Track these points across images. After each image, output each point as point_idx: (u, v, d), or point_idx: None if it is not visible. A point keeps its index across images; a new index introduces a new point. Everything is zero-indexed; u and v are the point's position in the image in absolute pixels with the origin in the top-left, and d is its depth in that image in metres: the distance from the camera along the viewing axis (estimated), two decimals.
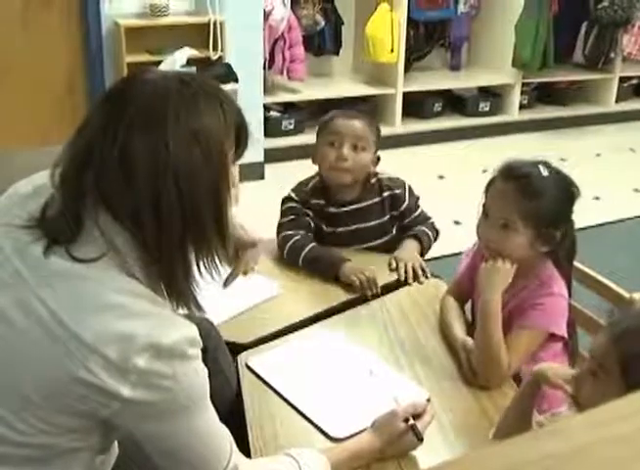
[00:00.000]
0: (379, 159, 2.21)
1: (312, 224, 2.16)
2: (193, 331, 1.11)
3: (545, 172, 1.68)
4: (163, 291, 1.14)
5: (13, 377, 1.09)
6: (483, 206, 1.74)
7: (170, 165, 1.07)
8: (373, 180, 2.21)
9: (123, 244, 1.09)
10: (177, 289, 1.13)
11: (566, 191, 1.70)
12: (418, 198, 2.26)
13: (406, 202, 2.21)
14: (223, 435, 1.20)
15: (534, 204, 1.66)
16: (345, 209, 2.19)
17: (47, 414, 1.08)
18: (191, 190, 1.09)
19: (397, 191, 2.21)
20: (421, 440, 1.39)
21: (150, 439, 1.14)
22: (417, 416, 1.41)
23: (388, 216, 2.21)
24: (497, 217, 1.70)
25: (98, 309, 1.05)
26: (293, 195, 2.18)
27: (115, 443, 1.34)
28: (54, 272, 1.08)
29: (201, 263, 1.16)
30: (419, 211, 2.24)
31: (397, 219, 2.22)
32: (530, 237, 1.68)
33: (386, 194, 2.21)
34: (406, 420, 1.39)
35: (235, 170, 1.19)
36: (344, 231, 2.18)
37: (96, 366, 1.03)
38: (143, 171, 1.07)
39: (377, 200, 2.20)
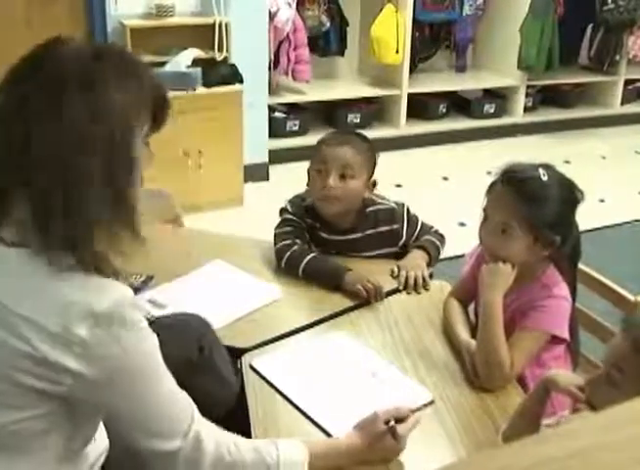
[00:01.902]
0: (375, 183, 2.12)
1: (308, 237, 2.11)
2: (128, 293, 1.10)
3: (545, 177, 1.66)
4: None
5: None
6: (484, 209, 1.73)
7: (64, 137, 1.05)
8: (370, 209, 2.13)
9: (22, 211, 1.07)
10: (84, 255, 1.09)
11: (566, 195, 1.69)
12: (416, 217, 2.18)
13: (404, 237, 2.13)
14: (183, 403, 1.19)
15: (533, 208, 1.65)
16: (338, 237, 2.13)
17: (2, 397, 1.08)
18: (86, 169, 1.06)
19: (395, 226, 2.13)
20: (401, 443, 1.37)
21: (107, 409, 1.14)
22: (401, 421, 1.39)
23: (383, 251, 2.15)
24: (496, 222, 1.70)
25: (30, 283, 1.06)
26: (289, 207, 2.13)
27: (105, 441, 1.34)
28: None
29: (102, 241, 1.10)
30: (419, 227, 2.16)
31: (394, 254, 2.16)
32: (529, 241, 1.67)
33: (382, 229, 2.13)
34: (387, 422, 1.38)
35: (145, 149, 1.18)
36: (335, 254, 2.13)
37: (37, 339, 1.04)
38: (36, 141, 1.05)
39: (371, 232, 2.13)
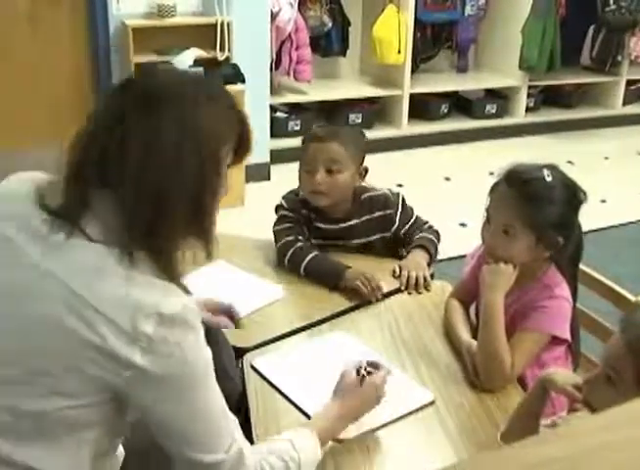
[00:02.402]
0: (366, 171, 2.14)
1: (306, 231, 2.14)
2: (192, 302, 1.16)
3: (549, 178, 1.66)
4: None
5: (22, 347, 1.13)
6: (487, 210, 1.73)
7: (158, 151, 1.12)
8: (364, 196, 2.15)
9: (114, 219, 1.13)
10: (162, 265, 1.16)
11: (569, 196, 1.68)
12: (412, 209, 2.21)
13: (396, 224, 2.16)
14: (228, 418, 1.22)
15: (535, 210, 1.64)
16: (334, 226, 2.15)
17: (62, 384, 1.12)
18: (172, 178, 1.12)
19: (388, 212, 2.16)
20: (378, 390, 1.45)
21: (155, 412, 1.16)
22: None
23: (377, 236, 2.17)
24: (499, 223, 1.69)
25: (106, 277, 1.10)
26: (284, 203, 2.15)
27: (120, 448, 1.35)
28: (58, 245, 1.12)
29: (173, 252, 1.18)
30: (413, 219, 2.19)
31: (387, 240, 2.19)
32: (532, 242, 1.67)
33: (376, 214, 2.16)
34: (358, 374, 1.45)
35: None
36: (332, 244, 2.15)
37: (107, 331, 1.08)
38: (134, 150, 1.11)
39: (366, 218, 2.15)
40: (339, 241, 2.16)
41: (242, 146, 1.24)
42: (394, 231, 2.17)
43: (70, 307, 1.09)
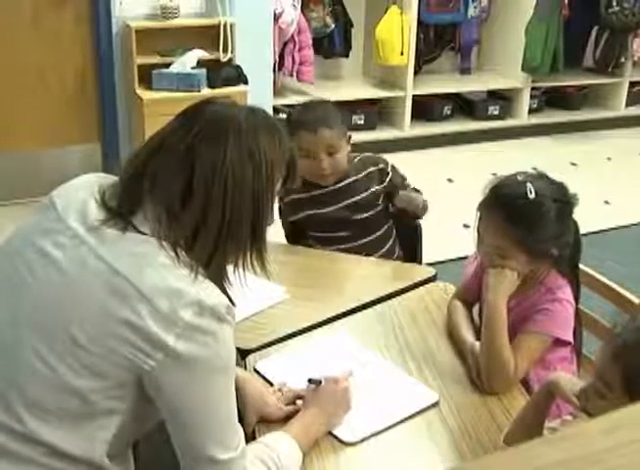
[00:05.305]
0: (350, 137, 2.26)
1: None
2: (227, 301, 1.23)
3: (532, 194, 1.61)
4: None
5: (63, 318, 1.18)
6: (477, 229, 1.71)
7: (224, 171, 1.23)
8: (355, 159, 2.30)
9: (167, 228, 1.22)
10: (211, 276, 1.24)
11: (558, 208, 1.64)
12: (404, 178, 2.35)
13: (390, 174, 2.30)
14: (236, 419, 1.26)
15: (525, 231, 1.62)
16: (330, 188, 2.27)
17: (91, 359, 1.16)
18: (236, 197, 1.23)
19: (381, 166, 2.31)
20: (337, 384, 1.50)
21: (178, 400, 1.20)
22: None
23: (374, 189, 2.29)
24: (490, 244, 1.68)
25: (153, 266, 1.19)
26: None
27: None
28: (112, 236, 1.21)
29: (234, 264, 1.30)
30: (407, 181, 2.35)
31: (383, 193, 2.31)
32: (527, 259, 1.66)
33: (370, 169, 2.31)
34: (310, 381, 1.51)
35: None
36: (333, 210, 2.27)
37: (146, 313, 1.15)
38: (200, 171, 1.22)
39: (362, 174, 2.29)
40: (339, 203, 2.26)
41: (290, 175, 1.36)
42: (389, 182, 2.30)
43: (111, 285, 1.16)
